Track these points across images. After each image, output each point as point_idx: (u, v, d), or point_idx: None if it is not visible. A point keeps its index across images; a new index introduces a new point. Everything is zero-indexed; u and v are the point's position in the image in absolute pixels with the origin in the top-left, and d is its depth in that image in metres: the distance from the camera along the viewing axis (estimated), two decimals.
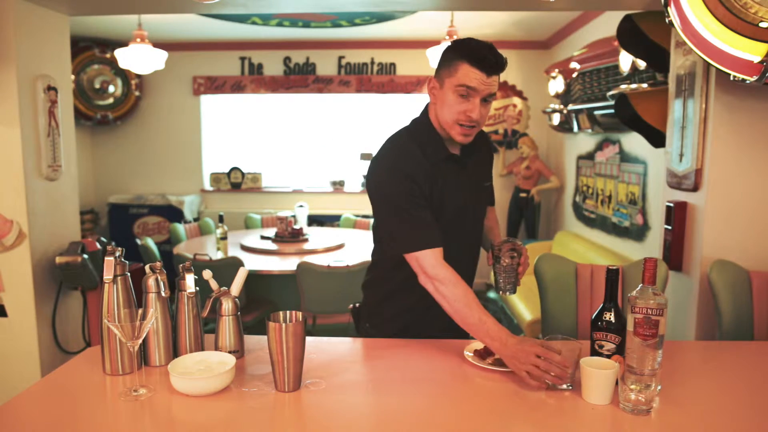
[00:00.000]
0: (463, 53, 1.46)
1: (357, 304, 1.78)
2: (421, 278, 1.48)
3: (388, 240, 1.59)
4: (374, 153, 1.59)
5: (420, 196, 1.49)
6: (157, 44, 4.11)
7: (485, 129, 5.75)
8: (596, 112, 3.77)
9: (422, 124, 1.59)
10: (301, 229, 4.21)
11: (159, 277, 1.39)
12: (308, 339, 1.34)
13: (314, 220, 5.49)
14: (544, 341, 1.33)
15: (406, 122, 1.65)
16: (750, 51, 1.59)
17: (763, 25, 1.55)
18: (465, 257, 1.63)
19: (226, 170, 5.89)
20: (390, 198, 1.50)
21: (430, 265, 1.44)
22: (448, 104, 1.49)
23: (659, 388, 1.23)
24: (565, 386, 1.29)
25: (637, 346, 1.24)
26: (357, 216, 5.18)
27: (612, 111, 3.10)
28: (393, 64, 5.70)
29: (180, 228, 4.42)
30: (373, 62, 5.71)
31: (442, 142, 1.56)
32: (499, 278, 1.58)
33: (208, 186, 5.96)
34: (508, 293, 1.58)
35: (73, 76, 5.08)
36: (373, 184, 1.55)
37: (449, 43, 1.55)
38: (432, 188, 1.52)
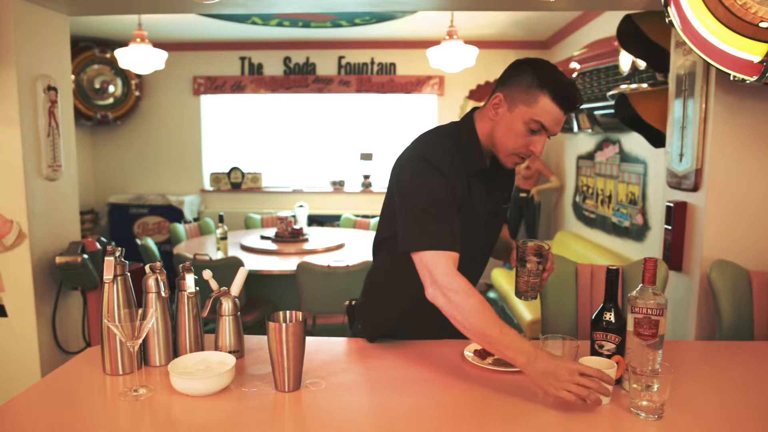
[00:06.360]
0: (548, 85, 1.34)
1: (353, 302, 1.76)
2: (428, 291, 1.32)
3: (402, 236, 1.40)
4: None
5: (452, 198, 1.38)
6: (157, 44, 4.11)
7: None
8: (596, 112, 3.77)
9: (467, 132, 1.48)
10: (301, 229, 4.21)
11: (159, 277, 1.39)
12: (308, 339, 1.34)
13: (314, 220, 5.49)
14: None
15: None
16: (750, 51, 1.59)
17: (763, 25, 1.55)
18: (470, 275, 1.56)
19: (226, 170, 5.89)
20: (420, 191, 1.36)
21: (442, 273, 1.29)
22: (514, 133, 1.38)
23: (658, 387, 1.23)
24: (606, 400, 1.21)
25: (637, 346, 1.24)
26: (357, 216, 5.18)
27: (612, 111, 3.10)
28: (393, 64, 5.70)
29: (180, 228, 4.42)
30: (373, 62, 5.71)
31: (482, 154, 1.46)
32: (519, 281, 1.47)
33: (208, 186, 5.96)
34: (528, 299, 1.46)
35: (73, 76, 5.09)
36: (404, 174, 1.42)
37: (526, 60, 1.42)
38: (463, 198, 1.42)
